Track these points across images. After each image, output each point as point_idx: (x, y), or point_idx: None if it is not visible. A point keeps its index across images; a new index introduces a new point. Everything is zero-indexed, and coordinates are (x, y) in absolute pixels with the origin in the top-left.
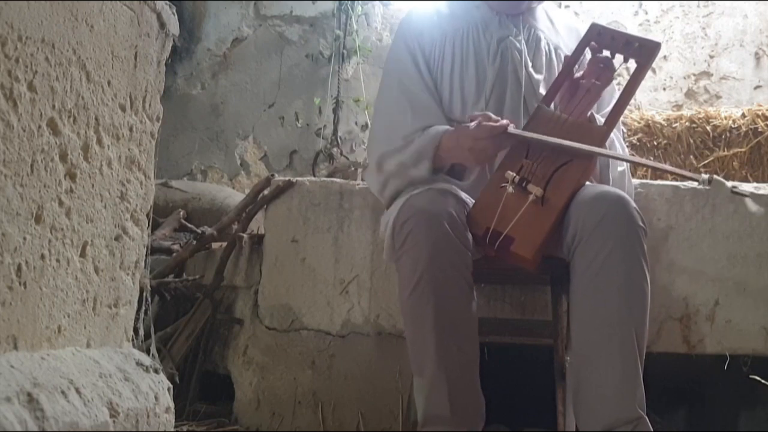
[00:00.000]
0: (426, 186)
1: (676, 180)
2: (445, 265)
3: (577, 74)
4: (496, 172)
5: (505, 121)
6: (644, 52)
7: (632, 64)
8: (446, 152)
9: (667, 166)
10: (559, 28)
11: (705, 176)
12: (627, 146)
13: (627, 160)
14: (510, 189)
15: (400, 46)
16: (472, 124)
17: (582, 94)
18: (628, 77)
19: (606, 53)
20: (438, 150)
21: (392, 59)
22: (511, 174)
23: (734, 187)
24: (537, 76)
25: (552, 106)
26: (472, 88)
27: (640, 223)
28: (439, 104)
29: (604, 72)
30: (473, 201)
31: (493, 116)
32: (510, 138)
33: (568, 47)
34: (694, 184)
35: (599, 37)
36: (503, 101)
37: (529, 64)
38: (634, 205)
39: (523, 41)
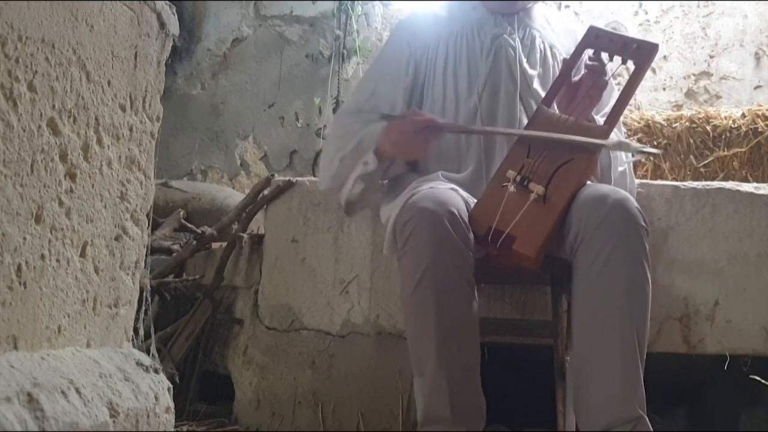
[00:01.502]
0: (427, 184)
1: (677, 179)
2: (447, 265)
3: (575, 78)
4: (498, 171)
5: (429, 116)
6: (642, 53)
7: (631, 65)
8: (383, 147)
9: (571, 137)
10: (556, 29)
11: (613, 141)
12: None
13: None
14: (511, 188)
15: (386, 49)
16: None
17: (580, 97)
18: (627, 78)
19: (604, 56)
20: (378, 145)
21: (377, 59)
22: (512, 173)
23: (643, 147)
24: (531, 72)
25: (551, 108)
26: (465, 85)
27: (642, 223)
28: (403, 106)
29: (598, 78)
30: (475, 200)
31: (419, 111)
32: (439, 131)
33: (564, 47)
34: (695, 184)
35: (597, 39)
36: (497, 97)
37: (524, 60)
38: (636, 204)
39: (517, 39)
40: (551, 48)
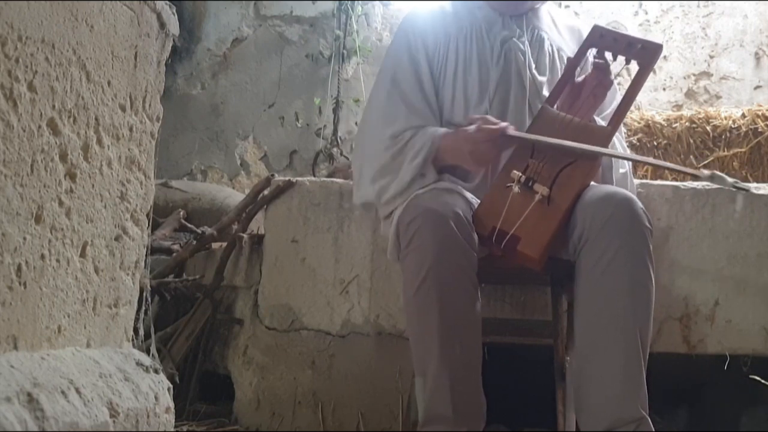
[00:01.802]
0: (432, 185)
1: (677, 180)
2: (450, 265)
3: (579, 78)
4: (502, 172)
5: (504, 124)
6: (646, 53)
7: (634, 66)
8: (445, 154)
9: (669, 164)
10: (561, 29)
11: (707, 172)
12: (627, 146)
13: (630, 159)
14: (516, 189)
15: (401, 43)
16: (472, 127)
17: (585, 97)
18: (629, 78)
19: (608, 55)
20: (438, 151)
21: (390, 55)
22: (517, 174)
23: (736, 182)
24: (540, 78)
25: (555, 107)
26: (476, 90)
27: (647, 224)
28: (430, 105)
29: (604, 77)
30: (479, 201)
31: (492, 119)
32: (510, 140)
33: (570, 48)
34: (695, 184)
35: (601, 39)
36: (507, 103)
37: (533, 65)
38: (640, 205)
39: (526, 42)
40: (558, 51)
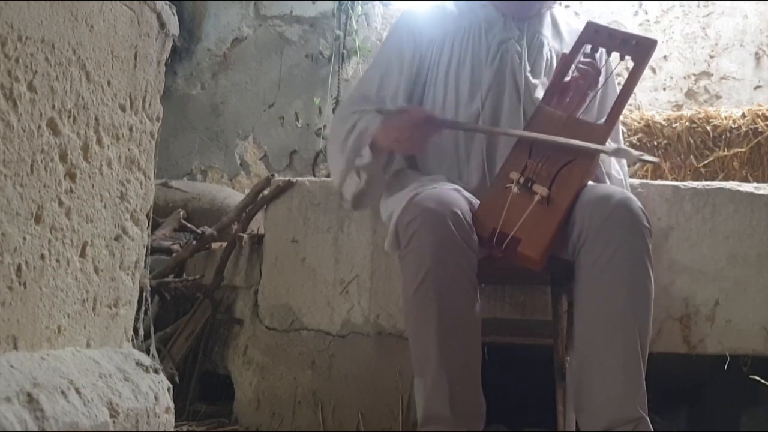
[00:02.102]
0: (431, 184)
1: (677, 179)
2: (449, 266)
3: (574, 74)
4: (500, 173)
5: (428, 111)
6: (641, 49)
7: (630, 63)
8: (380, 142)
9: (570, 141)
10: (564, 33)
11: (613, 146)
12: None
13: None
14: (515, 189)
15: (392, 38)
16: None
17: (578, 95)
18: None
19: (602, 52)
20: (374, 138)
21: (382, 49)
22: (515, 174)
23: (641, 154)
24: (534, 81)
25: (551, 105)
26: (467, 88)
27: (645, 223)
28: (406, 101)
29: (591, 75)
30: (478, 201)
31: (418, 107)
32: (437, 127)
33: None
34: (695, 184)
35: (596, 35)
36: (500, 104)
37: (528, 68)
38: (639, 204)
39: (524, 45)
40: (558, 56)
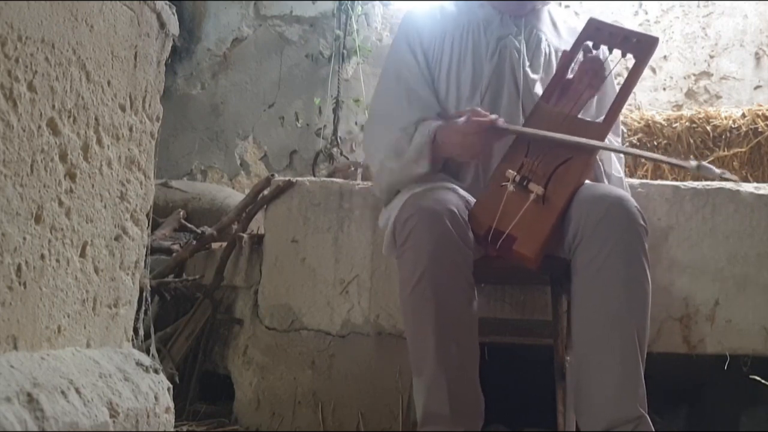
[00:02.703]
0: (428, 184)
1: (677, 179)
2: (446, 264)
3: (570, 76)
4: (496, 171)
5: (493, 116)
6: (642, 47)
7: (630, 60)
8: (441, 148)
9: (658, 156)
10: (562, 31)
11: (694, 163)
12: (626, 146)
13: (624, 152)
14: (511, 188)
15: (401, 40)
16: (461, 119)
17: (580, 91)
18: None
19: (603, 49)
20: (433, 145)
21: (392, 53)
22: (511, 173)
23: (723, 172)
24: (533, 76)
25: (550, 102)
26: (468, 84)
27: (641, 222)
28: (435, 97)
29: (596, 74)
30: (474, 200)
31: (481, 111)
32: (500, 132)
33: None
34: (695, 184)
35: (597, 32)
36: (500, 99)
37: (527, 63)
38: (635, 203)
39: (522, 41)
40: (556, 52)
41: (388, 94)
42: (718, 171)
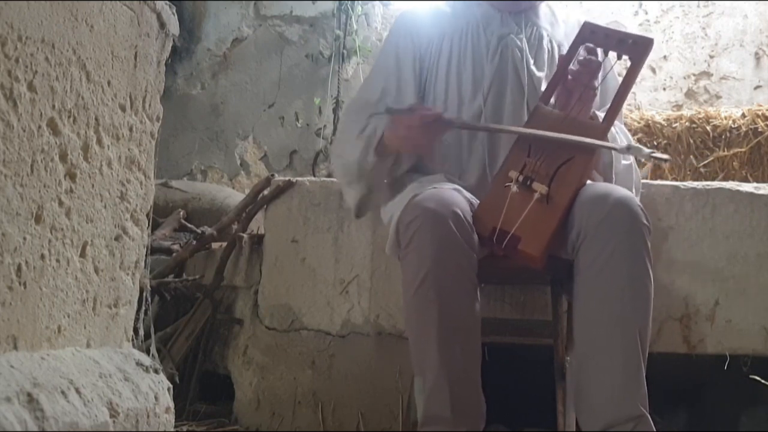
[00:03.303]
0: (431, 185)
1: (677, 179)
2: (449, 266)
3: (574, 69)
4: (500, 172)
5: (438, 110)
6: (638, 48)
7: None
8: (388, 141)
9: (586, 140)
10: (562, 24)
11: (624, 144)
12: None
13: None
14: (514, 188)
15: (390, 42)
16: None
17: (580, 91)
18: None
19: (599, 51)
20: (382, 139)
21: (381, 53)
22: (514, 173)
23: (652, 152)
24: (539, 74)
25: (550, 104)
26: (469, 85)
27: (644, 221)
28: (417, 100)
29: (593, 74)
30: (478, 201)
31: (425, 105)
32: (446, 126)
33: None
34: (695, 184)
35: (592, 35)
36: (503, 100)
37: (531, 62)
38: (638, 203)
39: (524, 39)
40: (559, 47)
41: (368, 89)
42: (647, 151)
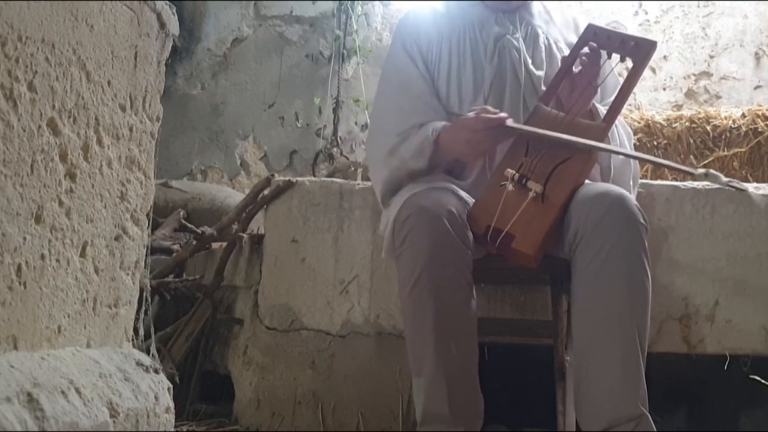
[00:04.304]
0: (427, 184)
1: (677, 179)
2: (445, 264)
3: (575, 69)
4: (496, 171)
5: (503, 114)
6: (641, 50)
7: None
8: (445, 146)
9: (666, 161)
10: (558, 22)
11: (702, 170)
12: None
13: (624, 154)
14: (510, 187)
15: (398, 46)
16: (471, 114)
17: (581, 90)
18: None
19: (602, 53)
20: (437, 144)
21: (390, 59)
22: (510, 171)
23: (731, 181)
24: (538, 73)
25: (550, 105)
26: (470, 87)
27: (641, 220)
28: (438, 100)
29: (594, 75)
30: (473, 200)
31: (491, 109)
32: (508, 131)
33: (566, 40)
34: (695, 184)
35: (595, 37)
36: (502, 100)
37: (529, 61)
38: (635, 202)
39: (520, 38)
40: (555, 44)
41: (387, 102)
42: (725, 179)
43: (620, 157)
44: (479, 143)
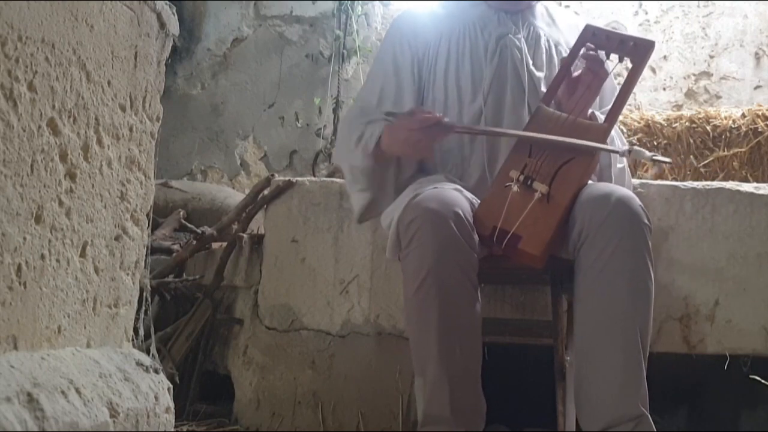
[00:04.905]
0: (432, 184)
1: (677, 179)
2: (450, 266)
3: (574, 74)
4: (500, 172)
5: (438, 115)
6: (639, 51)
7: (628, 64)
8: (387, 146)
9: (584, 142)
10: (560, 25)
11: (625, 147)
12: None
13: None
14: (515, 188)
15: (387, 45)
16: (405, 113)
17: (581, 93)
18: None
19: (601, 53)
20: (379, 143)
21: (378, 58)
22: (515, 173)
23: (654, 155)
24: (539, 74)
25: (551, 105)
26: (469, 87)
27: (645, 221)
28: (415, 102)
29: (599, 68)
30: (479, 201)
31: (424, 109)
32: (446, 131)
33: (568, 44)
34: (695, 184)
35: (594, 37)
36: (503, 100)
37: (530, 62)
38: (639, 202)
39: (522, 39)
40: (556, 46)
41: (366, 96)
42: (649, 154)
43: (618, 168)
44: (417, 142)
